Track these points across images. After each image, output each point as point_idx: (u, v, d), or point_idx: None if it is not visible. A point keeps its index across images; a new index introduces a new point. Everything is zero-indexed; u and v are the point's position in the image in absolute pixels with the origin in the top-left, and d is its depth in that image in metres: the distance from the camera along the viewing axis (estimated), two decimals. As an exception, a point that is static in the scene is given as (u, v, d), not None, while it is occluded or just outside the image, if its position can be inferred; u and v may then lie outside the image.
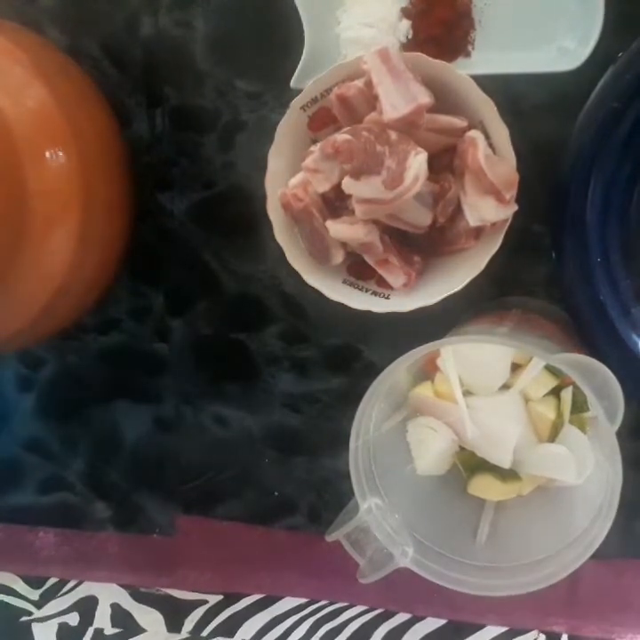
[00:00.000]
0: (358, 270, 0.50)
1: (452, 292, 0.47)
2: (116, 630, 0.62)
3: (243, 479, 0.59)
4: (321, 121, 0.48)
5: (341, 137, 0.45)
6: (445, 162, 0.47)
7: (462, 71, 0.46)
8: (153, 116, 0.55)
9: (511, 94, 0.49)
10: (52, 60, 0.51)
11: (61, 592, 0.63)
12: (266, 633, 0.60)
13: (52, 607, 0.63)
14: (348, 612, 0.59)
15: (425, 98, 0.44)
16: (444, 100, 0.46)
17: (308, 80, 0.47)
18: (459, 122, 0.46)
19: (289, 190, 0.47)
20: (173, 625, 0.61)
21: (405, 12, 0.50)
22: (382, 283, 0.49)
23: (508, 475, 0.48)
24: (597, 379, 0.40)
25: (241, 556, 0.60)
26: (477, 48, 0.50)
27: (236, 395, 0.58)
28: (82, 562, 0.62)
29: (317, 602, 0.59)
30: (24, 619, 0.63)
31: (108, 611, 0.62)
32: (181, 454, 0.59)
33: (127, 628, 0.62)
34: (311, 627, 0.59)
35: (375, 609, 0.58)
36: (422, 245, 0.49)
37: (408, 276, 0.48)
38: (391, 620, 0.58)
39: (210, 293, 0.57)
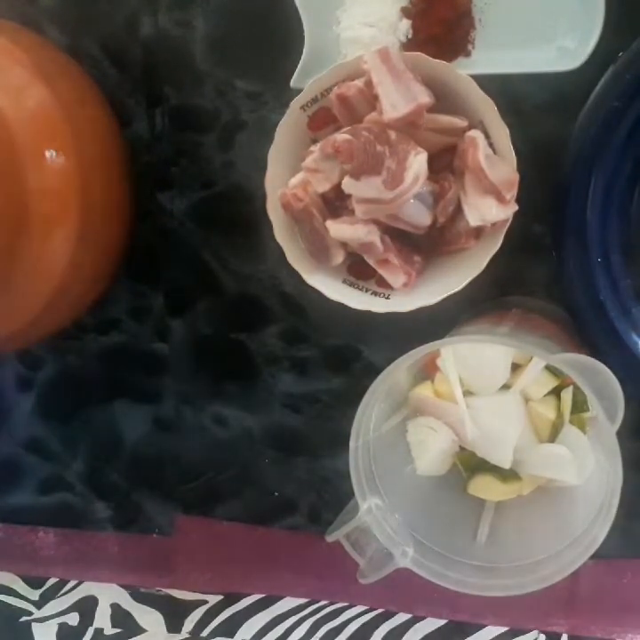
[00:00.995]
0: (358, 270, 0.50)
1: (452, 292, 0.47)
2: (116, 630, 0.62)
3: (243, 479, 0.59)
4: (321, 121, 0.48)
5: (341, 137, 0.45)
6: (445, 162, 0.47)
7: (462, 71, 0.46)
8: (153, 116, 0.55)
9: (511, 94, 0.49)
10: (52, 60, 0.51)
11: (61, 592, 0.63)
12: (266, 633, 0.60)
13: (52, 607, 0.63)
14: (348, 612, 0.59)
15: (425, 97, 0.44)
16: (444, 99, 0.46)
17: (307, 80, 0.47)
18: (459, 122, 0.46)
19: (289, 190, 0.47)
20: (173, 625, 0.61)
21: (405, 12, 0.50)
22: (382, 283, 0.49)
23: (508, 475, 0.47)
24: (597, 379, 0.40)
25: (241, 556, 0.60)
26: (478, 48, 0.50)
27: (235, 395, 0.58)
28: (82, 562, 0.62)
29: (317, 602, 0.59)
30: (24, 619, 0.63)
31: (108, 611, 0.62)
32: (181, 454, 0.59)
33: (127, 629, 0.62)
34: (311, 627, 0.59)
35: (375, 609, 0.58)
36: (422, 245, 0.49)
37: (408, 275, 0.48)
38: (391, 620, 0.58)
39: (210, 293, 0.57)
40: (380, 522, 0.45)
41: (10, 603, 0.64)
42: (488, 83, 0.46)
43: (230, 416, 0.58)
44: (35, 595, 0.63)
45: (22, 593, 0.63)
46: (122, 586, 0.62)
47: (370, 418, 0.45)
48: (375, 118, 0.45)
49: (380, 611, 0.58)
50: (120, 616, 0.62)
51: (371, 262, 0.48)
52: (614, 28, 0.47)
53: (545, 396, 0.47)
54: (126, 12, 0.54)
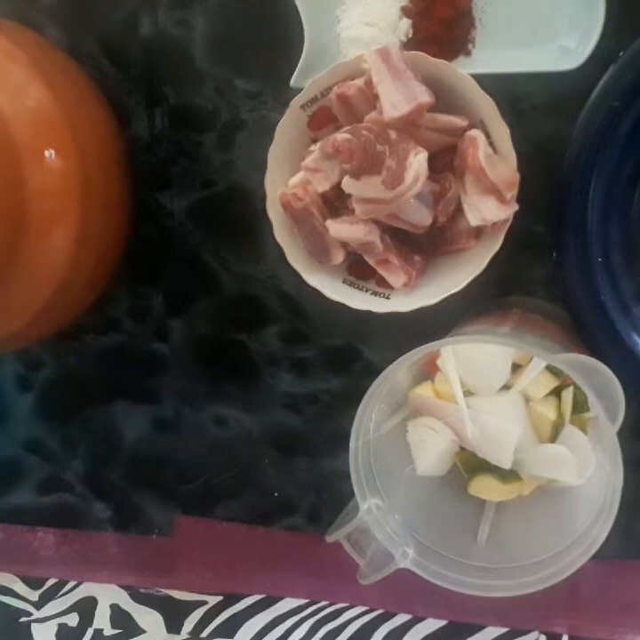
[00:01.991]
0: (358, 270, 0.50)
1: (453, 291, 0.47)
2: (116, 631, 0.62)
3: (242, 479, 0.59)
4: (321, 120, 0.48)
5: (341, 136, 0.45)
6: (446, 161, 0.47)
7: (463, 70, 0.46)
8: (152, 116, 0.55)
9: (512, 93, 0.49)
10: (52, 60, 0.51)
11: (61, 593, 0.63)
12: (266, 634, 0.60)
13: (52, 608, 0.63)
14: (348, 612, 0.59)
15: (425, 97, 0.44)
16: (445, 99, 0.46)
17: (307, 79, 0.47)
18: (459, 121, 0.46)
19: (289, 190, 0.47)
20: (173, 626, 0.61)
21: (406, 11, 0.50)
22: (382, 283, 0.49)
23: (508, 475, 0.47)
24: (598, 379, 0.40)
25: (241, 556, 0.60)
26: (478, 47, 0.50)
27: (235, 395, 0.58)
28: (81, 562, 0.62)
29: (317, 602, 0.59)
30: (23, 619, 0.63)
31: (108, 611, 0.62)
32: (181, 455, 0.59)
33: (127, 629, 0.62)
34: (311, 627, 0.59)
35: (375, 610, 0.58)
36: (422, 245, 0.49)
37: (408, 275, 0.48)
38: (391, 621, 0.58)
39: (209, 293, 0.57)
40: (380, 522, 0.45)
41: (9, 603, 0.64)
42: (488, 82, 0.46)
43: (230, 416, 0.58)
44: (34, 595, 0.63)
45: (22, 593, 0.63)
46: (121, 586, 0.62)
47: (370, 418, 0.45)
48: (375, 118, 0.45)
49: (380, 611, 0.58)
50: (120, 617, 0.62)
51: (371, 262, 0.48)
52: (614, 28, 0.47)
53: (545, 396, 0.46)
54: (126, 12, 0.54)
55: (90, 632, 0.62)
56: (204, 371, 0.58)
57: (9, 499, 0.62)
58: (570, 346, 0.47)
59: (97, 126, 0.51)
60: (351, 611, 0.59)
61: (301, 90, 0.47)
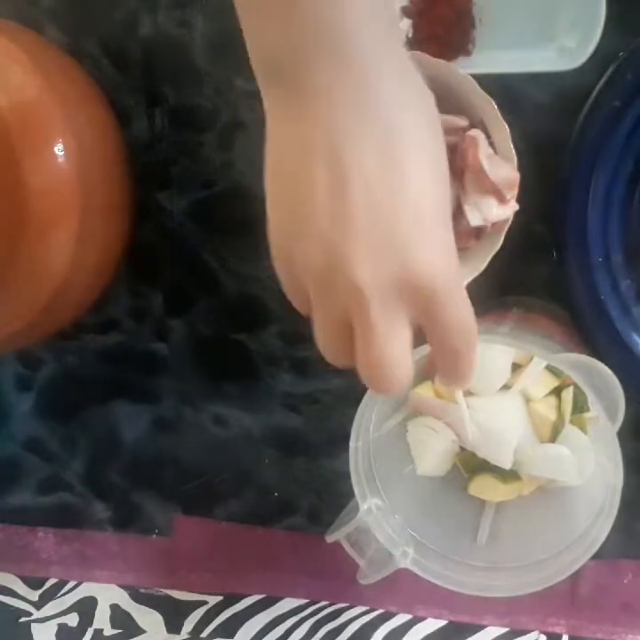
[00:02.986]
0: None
1: (453, 291, 0.47)
2: (116, 631, 0.62)
3: (242, 479, 0.59)
4: (321, 120, 0.48)
5: (341, 136, 0.45)
6: (446, 161, 0.47)
7: (463, 70, 0.46)
8: (152, 116, 0.55)
9: (512, 93, 0.49)
10: (52, 60, 0.51)
11: (61, 593, 0.63)
12: (266, 634, 0.60)
13: (52, 608, 0.63)
14: (348, 612, 0.59)
15: (425, 97, 0.44)
16: (445, 99, 0.46)
17: (307, 79, 0.47)
18: (459, 121, 0.46)
19: (289, 190, 0.47)
20: (173, 626, 0.61)
21: (406, 11, 0.50)
22: (382, 282, 0.49)
23: (508, 475, 0.47)
24: (598, 379, 0.40)
25: (241, 556, 0.59)
26: (478, 47, 0.50)
27: (235, 395, 0.58)
28: (81, 562, 0.62)
29: (317, 602, 0.59)
30: (23, 619, 0.63)
31: (108, 611, 0.62)
32: (181, 454, 0.59)
33: (127, 629, 0.62)
34: (311, 627, 0.59)
35: (375, 610, 0.58)
36: (422, 245, 0.49)
37: (408, 275, 0.48)
38: (391, 621, 0.58)
39: (209, 293, 0.57)
40: (380, 522, 0.45)
41: (9, 603, 0.64)
42: (488, 82, 0.46)
43: (230, 416, 0.58)
44: (34, 595, 0.63)
45: (22, 593, 0.63)
46: (121, 586, 0.62)
47: (370, 418, 0.45)
48: (375, 118, 0.45)
49: (380, 611, 0.58)
50: (120, 617, 0.62)
51: (371, 262, 0.48)
52: (614, 28, 0.47)
53: (545, 396, 0.46)
54: (126, 12, 0.54)
55: (90, 632, 0.62)
56: (204, 371, 0.58)
57: (9, 499, 0.62)
58: (570, 345, 0.47)
59: (97, 126, 0.51)
60: (351, 611, 0.59)
61: (301, 90, 0.47)
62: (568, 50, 0.48)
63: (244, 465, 0.58)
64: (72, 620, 0.63)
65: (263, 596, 0.60)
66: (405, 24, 0.50)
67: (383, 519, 0.46)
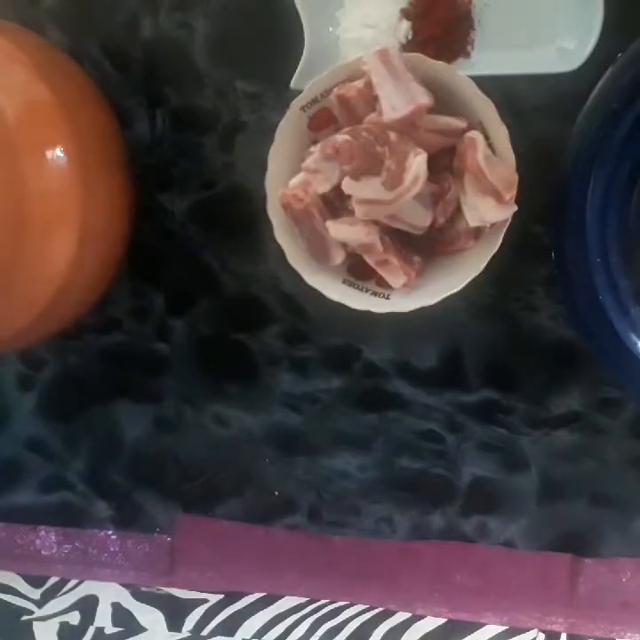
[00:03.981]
0: (358, 270, 0.50)
1: (452, 292, 0.47)
2: (117, 629, 0.62)
3: (243, 479, 0.59)
4: (321, 121, 0.48)
5: (341, 138, 0.45)
6: (445, 162, 0.47)
7: (462, 72, 0.46)
8: (153, 117, 0.55)
9: (511, 95, 0.50)
10: (53, 61, 0.51)
11: (62, 591, 0.63)
12: (266, 632, 0.60)
13: (53, 606, 0.63)
14: (347, 610, 0.59)
15: (424, 98, 0.45)
16: (444, 100, 0.46)
17: (307, 81, 0.47)
18: (458, 122, 0.46)
19: (289, 191, 0.47)
20: (174, 624, 0.61)
21: (405, 13, 0.50)
22: (382, 283, 0.49)
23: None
24: None
25: (241, 555, 0.60)
26: (477, 49, 0.50)
27: (236, 394, 0.58)
28: (82, 561, 0.62)
29: (317, 601, 0.59)
30: (25, 618, 0.63)
31: (109, 610, 0.62)
32: (182, 454, 0.59)
33: (128, 627, 0.62)
34: (311, 625, 0.59)
35: (375, 608, 0.58)
36: (422, 245, 0.49)
37: (408, 276, 0.48)
38: (391, 619, 0.58)
39: (210, 293, 0.57)
40: None
41: (11, 602, 0.64)
42: (487, 84, 0.46)
43: (231, 416, 0.58)
44: (36, 594, 0.63)
45: (23, 592, 0.64)
46: (122, 585, 0.62)
47: None
48: (375, 119, 0.45)
49: (379, 609, 0.58)
50: (121, 615, 0.62)
51: (371, 262, 0.48)
52: (614, 29, 0.47)
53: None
54: (127, 14, 0.54)
55: (91, 630, 0.63)
56: (205, 370, 0.58)
57: (11, 497, 0.62)
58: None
59: (98, 127, 0.51)
60: (351, 609, 0.59)
61: (301, 91, 0.47)
62: (566, 52, 0.48)
63: (245, 464, 0.59)
64: (73, 618, 0.63)
65: (263, 594, 0.60)
66: (405, 26, 0.50)
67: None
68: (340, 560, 0.58)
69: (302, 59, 0.51)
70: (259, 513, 0.59)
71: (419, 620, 0.58)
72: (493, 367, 0.54)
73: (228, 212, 0.56)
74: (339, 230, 0.47)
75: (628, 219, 0.48)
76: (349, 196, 0.46)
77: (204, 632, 0.61)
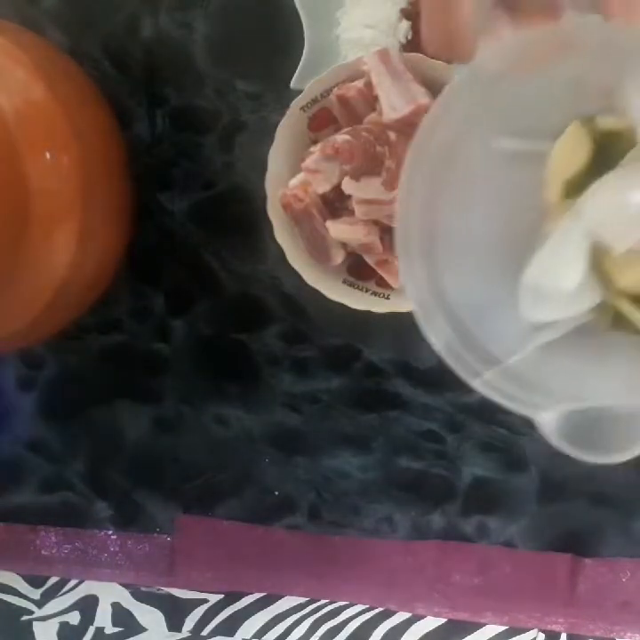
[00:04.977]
0: (358, 270, 0.50)
1: (452, 292, 0.47)
2: (117, 629, 0.62)
3: (243, 479, 0.59)
4: (321, 121, 0.48)
5: (341, 137, 0.45)
6: (445, 162, 0.47)
7: (462, 72, 0.46)
8: (153, 117, 0.55)
9: (511, 95, 0.50)
10: (53, 61, 0.51)
11: (62, 591, 0.63)
12: (266, 632, 0.60)
13: (53, 606, 0.63)
14: (347, 610, 0.59)
15: (424, 98, 0.45)
16: (444, 100, 0.46)
17: (308, 81, 0.48)
18: (458, 122, 0.46)
19: (289, 191, 0.47)
20: (174, 624, 0.61)
21: (405, 13, 0.50)
22: (382, 283, 0.49)
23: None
24: None
25: (241, 555, 0.60)
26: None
27: (236, 394, 0.58)
28: (83, 561, 0.62)
29: (317, 601, 0.59)
30: (25, 618, 0.64)
31: (109, 610, 0.62)
32: (181, 454, 0.59)
33: (128, 627, 0.62)
34: (311, 625, 0.59)
35: (375, 608, 0.58)
36: (422, 246, 0.49)
37: (408, 276, 0.48)
38: (391, 619, 0.58)
39: (210, 293, 0.57)
40: None
41: (11, 601, 0.64)
42: (487, 84, 0.46)
43: (231, 416, 0.58)
44: (36, 594, 0.63)
45: (23, 592, 0.64)
46: (122, 585, 0.62)
47: None
48: (375, 119, 0.45)
49: (379, 609, 0.58)
50: (121, 615, 0.62)
51: (371, 262, 0.48)
52: (613, 30, 0.47)
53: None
54: (127, 14, 0.54)
55: (91, 630, 0.63)
56: (205, 370, 0.58)
57: (11, 497, 0.62)
58: None
59: (98, 127, 0.51)
60: (351, 609, 0.59)
61: (302, 91, 0.47)
62: (566, 52, 0.48)
63: (245, 464, 0.59)
64: (73, 618, 0.63)
65: (263, 594, 0.60)
66: (405, 26, 0.50)
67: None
68: (340, 560, 0.58)
69: (302, 59, 0.51)
70: (258, 513, 0.59)
71: (419, 619, 0.58)
72: (493, 367, 0.54)
73: (228, 212, 0.56)
74: (339, 230, 0.47)
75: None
76: (349, 196, 0.46)
77: (204, 632, 0.61)
